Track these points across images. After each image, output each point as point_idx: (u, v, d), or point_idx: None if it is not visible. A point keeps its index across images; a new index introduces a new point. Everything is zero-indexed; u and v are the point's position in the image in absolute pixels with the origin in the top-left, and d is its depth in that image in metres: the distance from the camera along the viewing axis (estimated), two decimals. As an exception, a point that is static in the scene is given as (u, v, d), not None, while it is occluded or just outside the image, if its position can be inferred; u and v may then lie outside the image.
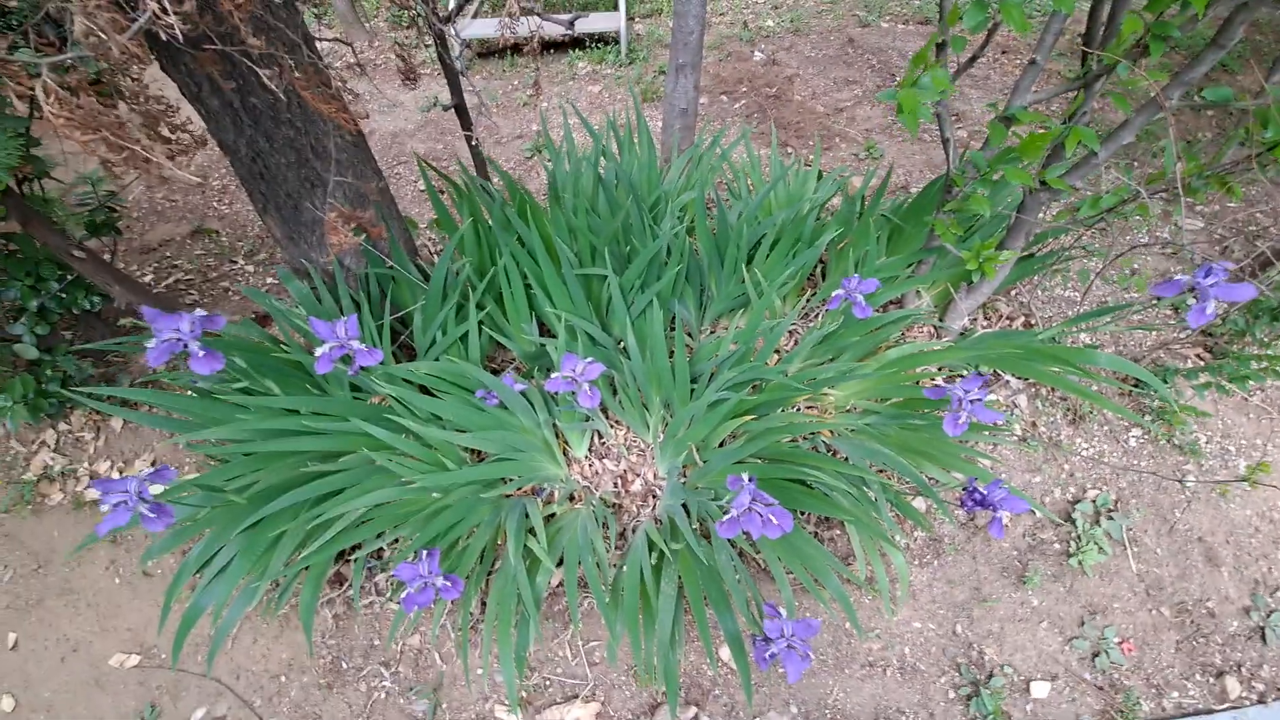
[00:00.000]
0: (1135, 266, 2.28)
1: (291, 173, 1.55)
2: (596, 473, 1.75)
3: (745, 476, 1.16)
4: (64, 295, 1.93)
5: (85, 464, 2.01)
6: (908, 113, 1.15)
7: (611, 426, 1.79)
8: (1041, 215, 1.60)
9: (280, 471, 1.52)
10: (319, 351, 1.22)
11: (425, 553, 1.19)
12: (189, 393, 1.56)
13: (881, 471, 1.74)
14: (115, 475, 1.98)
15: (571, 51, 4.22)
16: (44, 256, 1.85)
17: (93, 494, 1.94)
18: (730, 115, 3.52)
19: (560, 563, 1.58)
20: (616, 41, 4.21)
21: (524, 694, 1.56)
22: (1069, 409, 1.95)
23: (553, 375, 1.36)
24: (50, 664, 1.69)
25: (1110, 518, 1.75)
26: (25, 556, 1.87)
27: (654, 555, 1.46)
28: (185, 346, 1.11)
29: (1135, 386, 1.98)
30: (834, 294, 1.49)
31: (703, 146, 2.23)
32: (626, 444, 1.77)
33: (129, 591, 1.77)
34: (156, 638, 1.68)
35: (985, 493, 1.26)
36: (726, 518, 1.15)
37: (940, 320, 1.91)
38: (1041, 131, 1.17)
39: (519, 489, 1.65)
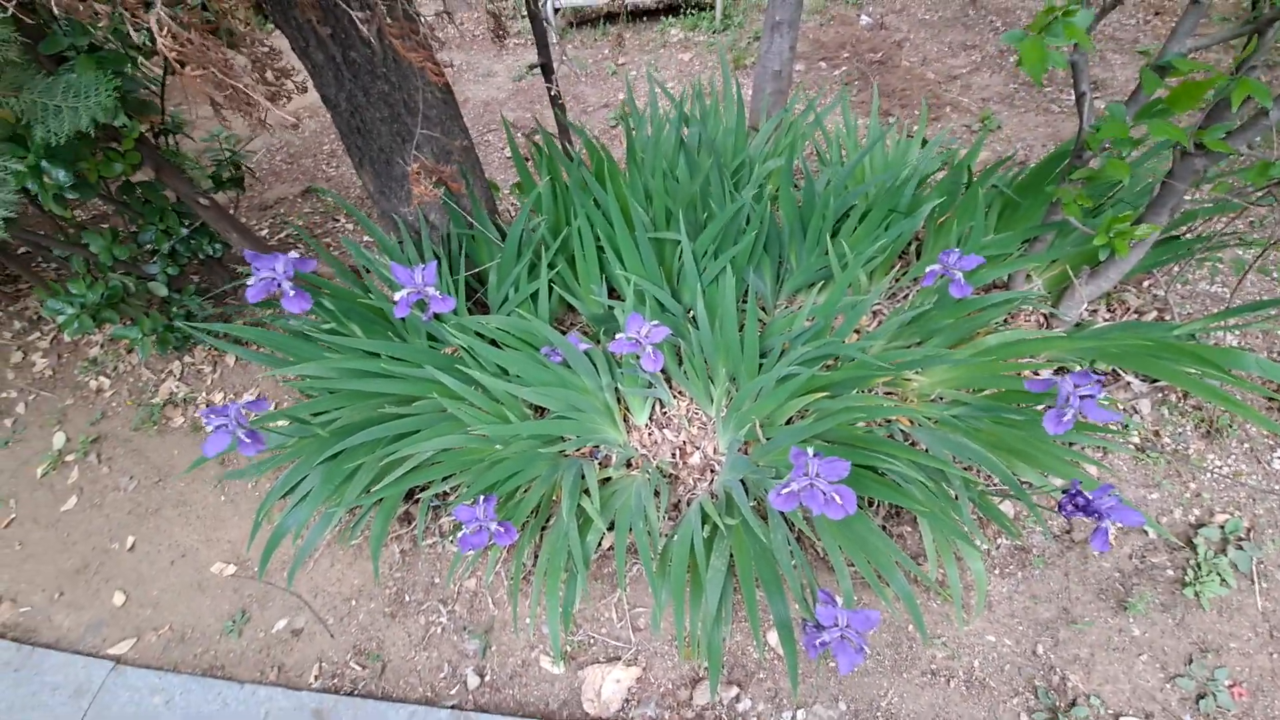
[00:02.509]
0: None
1: (385, 127, 1.61)
2: (655, 441, 1.73)
3: (809, 450, 1.09)
4: (191, 241, 2.13)
5: (203, 393, 2.24)
6: (1032, 61, 1.01)
7: (674, 396, 1.76)
8: (1192, 195, 1.37)
9: (360, 410, 1.62)
10: (397, 296, 1.26)
11: (483, 498, 1.22)
12: (286, 333, 1.68)
13: (966, 468, 1.59)
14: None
15: (665, 18, 4.12)
16: (170, 206, 2.06)
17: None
18: (829, 83, 3.31)
19: (611, 526, 1.57)
20: (712, 6, 4.06)
21: (568, 648, 1.58)
22: (1203, 419, 1.69)
23: (618, 336, 1.34)
24: (161, 566, 1.91)
25: (1240, 547, 1.52)
26: (149, 470, 2.11)
27: (706, 529, 1.42)
28: (280, 285, 1.19)
29: (1292, 401, 1.69)
30: (929, 269, 1.36)
31: (794, 112, 2.10)
32: (688, 415, 1.73)
33: (232, 508, 1.97)
34: (248, 552, 1.86)
35: (1090, 499, 1.11)
36: (785, 489, 1.09)
37: (1053, 308, 1.70)
38: (1200, 79, 0.99)
39: (577, 449, 1.66)
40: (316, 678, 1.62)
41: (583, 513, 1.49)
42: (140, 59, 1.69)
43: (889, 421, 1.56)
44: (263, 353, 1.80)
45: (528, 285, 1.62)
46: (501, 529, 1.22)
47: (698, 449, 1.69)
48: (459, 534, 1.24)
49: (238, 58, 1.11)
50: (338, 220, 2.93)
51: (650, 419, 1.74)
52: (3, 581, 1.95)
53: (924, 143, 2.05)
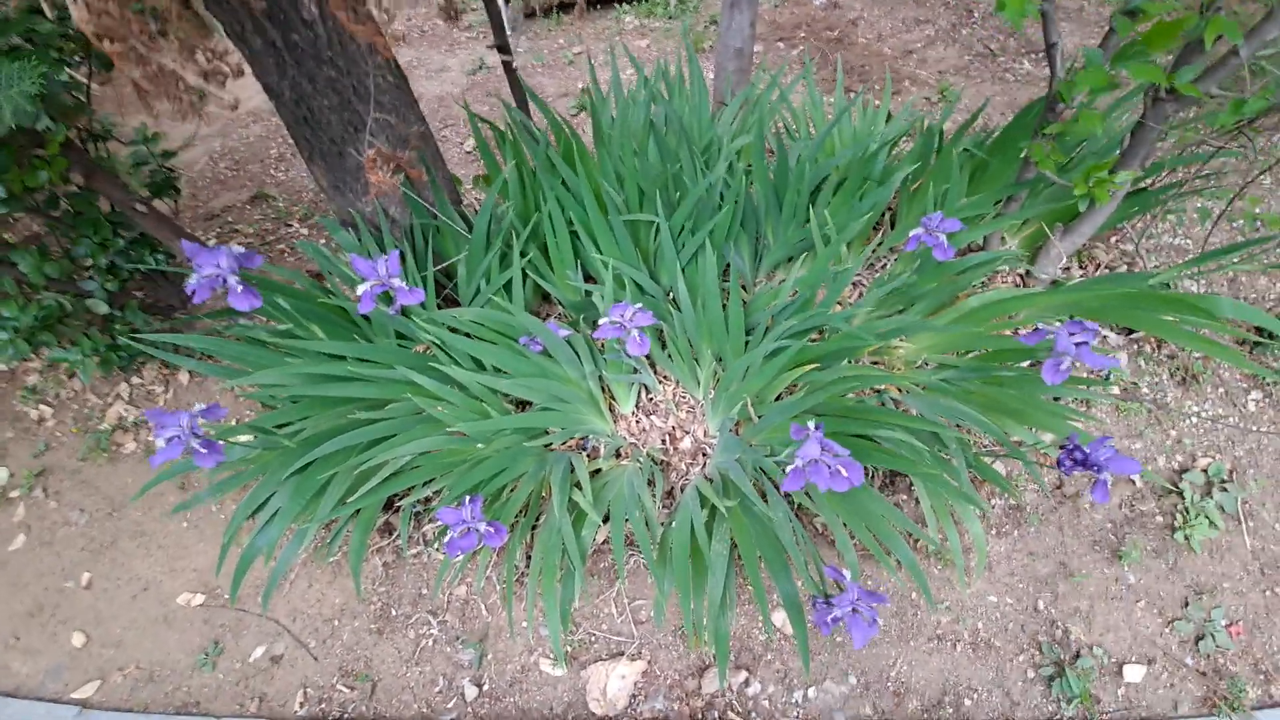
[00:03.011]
0: (1260, 208, 1.99)
1: (335, 116, 1.51)
2: (644, 429, 1.67)
3: (811, 424, 1.06)
4: (130, 253, 1.99)
5: (155, 415, 2.09)
6: (1013, 9, 0.99)
7: (660, 381, 1.71)
8: (1158, 147, 1.38)
9: (327, 419, 1.52)
10: (360, 289, 1.18)
11: (469, 498, 1.15)
12: (241, 340, 1.57)
13: (958, 428, 1.58)
14: (182, 425, 2.05)
15: (619, 5, 4.06)
16: (105, 217, 1.91)
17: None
18: (788, 62, 3.30)
19: (605, 519, 1.52)
20: (666, -8, 4.01)
21: (569, 648, 1.53)
22: (1178, 368, 1.72)
23: (601, 322, 1.29)
24: (121, 602, 1.78)
25: (1224, 489, 1.55)
26: (100, 501, 1.97)
27: (705, 513, 1.38)
28: (225, 281, 1.09)
29: (1257, 343, 1.73)
30: (911, 234, 1.34)
31: (759, 88, 2.07)
32: (675, 399, 1.69)
33: (195, 534, 1.84)
34: (217, 578, 1.74)
35: (1089, 451, 1.10)
36: (791, 469, 1.05)
37: (1029, 267, 1.71)
38: (1173, 19, 0.98)
39: (563, 442, 1.59)
40: (302, 704, 1.52)
41: (575, 507, 1.43)
42: (62, 54, 1.56)
43: (878, 391, 1.54)
44: (218, 365, 1.69)
45: (500, 275, 1.54)
46: (491, 529, 1.15)
47: (687, 433, 1.65)
48: (445, 539, 1.17)
49: (167, 41, 1.01)
50: (290, 226, 2.79)
51: (636, 406, 1.69)
52: (-55, 634, 1.79)
53: (889, 116, 2.05)
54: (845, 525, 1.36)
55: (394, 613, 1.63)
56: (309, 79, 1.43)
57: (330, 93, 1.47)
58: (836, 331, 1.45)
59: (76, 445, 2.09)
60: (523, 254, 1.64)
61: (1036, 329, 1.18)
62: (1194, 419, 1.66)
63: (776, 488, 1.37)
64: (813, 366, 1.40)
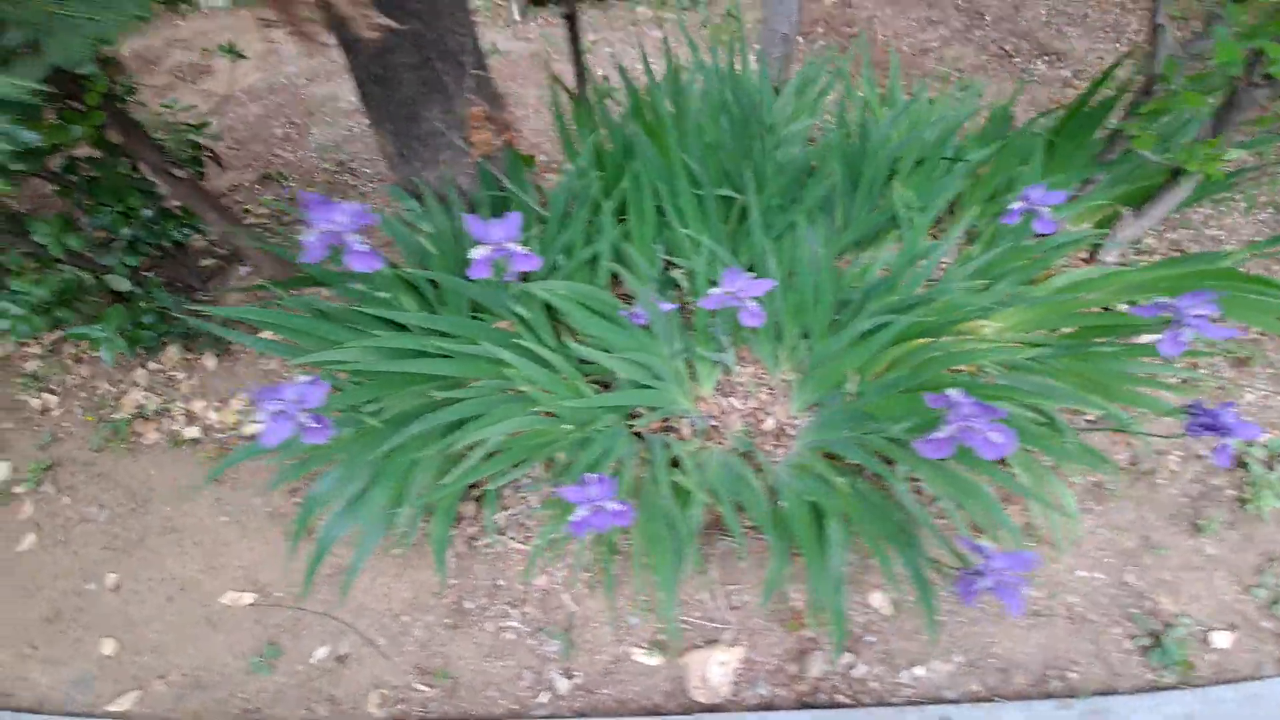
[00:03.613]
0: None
1: (411, 75, 1.42)
2: (723, 410, 1.64)
3: (956, 391, 1.04)
4: (154, 226, 1.83)
5: (179, 403, 1.94)
6: (1226, 54, 0.99)
7: (737, 362, 1.67)
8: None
9: (403, 398, 1.43)
10: (475, 254, 1.11)
11: (598, 477, 1.09)
12: (309, 314, 1.46)
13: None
14: (212, 414, 1.91)
15: (631, -5, 4.02)
16: (130, 184, 1.76)
17: (191, 432, 1.88)
18: (810, 55, 3.32)
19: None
20: (680, -17, 3.99)
21: (661, 637, 1.47)
22: (1229, 350, 1.79)
23: (711, 292, 1.24)
24: (155, 604, 1.63)
25: (1284, 463, 1.61)
26: (122, 496, 1.81)
27: (812, 490, 1.35)
28: (344, 240, 1.01)
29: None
30: (1012, 207, 1.34)
31: (807, 75, 2.06)
32: (756, 380, 1.65)
33: (237, 529, 1.71)
34: (275, 573, 1.61)
35: (1216, 415, 1.12)
36: (936, 435, 1.03)
37: (1100, 247, 1.74)
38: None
39: (650, 424, 1.54)
40: (379, 706, 1.42)
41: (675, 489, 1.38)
42: None
43: (954, 372, 1.54)
44: (278, 341, 1.57)
45: (583, 249, 1.48)
46: (621, 508, 1.09)
47: (769, 415, 1.62)
48: (570, 518, 1.10)
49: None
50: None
51: (715, 387, 1.65)
52: (-53, 644, 1.61)
53: (931, 102, 2.07)
54: (944, 498, 1.35)
55: (469, 605, 1.54)
56: (389, 30, 1.34)
57: (410, 48, 1.39)
58: (929, 305, 1.44)
59: (88, 435, 1.91)
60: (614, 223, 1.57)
61: (1155, 303, 1.19)
62: (1248, 400, 1.72)
63: (889, 463, 1.36)
64: (922, 341, 1.39)
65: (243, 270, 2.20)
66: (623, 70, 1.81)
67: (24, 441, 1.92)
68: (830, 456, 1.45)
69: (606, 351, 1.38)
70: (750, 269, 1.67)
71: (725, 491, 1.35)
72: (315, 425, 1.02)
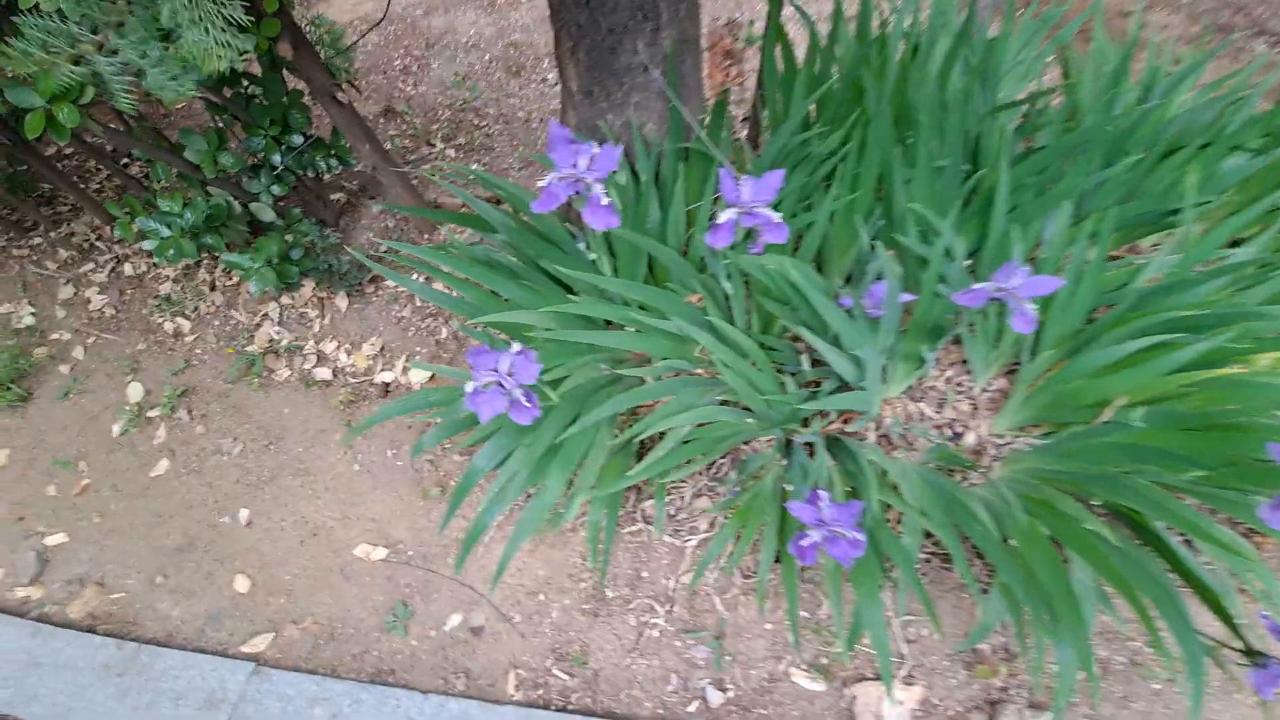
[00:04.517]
0: None
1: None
2: (909, 417, 1.44)
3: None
4: (303, 155, 1.73)
5: (311, 342, 1.88)
6: None
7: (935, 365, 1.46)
8: None
9: (578, 371, 1.29)
10: (721, 217, 0.93)
11: (823, 494, 0.93)
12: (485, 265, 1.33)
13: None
14: (343, 356, 1.84)
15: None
16: (292, 103, 1.65)
17: (322, 374, 1.81)
18: (996, 8, 2.93)
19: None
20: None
21: (824, 660, 1.33)
22: None
23: (975, 287, 1.04)
24: (288, 545, 1.59)
25: None
26: (255, 431, 1.77)
27: (1042, 523, 1.16)
28: (588, 188, 0.85)
29: None
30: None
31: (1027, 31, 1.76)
32: (955, 387, 1.44)
33: (369, 480, 1.64)
34: (406, 531, 1.54)
35: None
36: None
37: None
38: None
39: (825, 427, 1.36)
40: (516, 688, 1.34)
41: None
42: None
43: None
44: (445, 293, 1.44)
45: (804, 215, 1.27)
46: (861, 537, 0.92)
47: (968, 428, 1.41)
48: (794, 540, 0.94)
49: None
50: (433, 145, 2.51)
51: (905, 391, 1.45)
52: (83, 561, 1.62)
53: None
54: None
55: (609, 594, 1.43)
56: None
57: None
58: (1230, 325, 1.17)
59: (221, 366, 1.88)
60: (806, 199, 1.37)
61: None
62: None
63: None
64: (1221, 372, 1.14)
65: (375, 209, 2.10)
66: (838, 9, 1.55)
67: (157, 365, 1.90)
68: (1055, 486, 1.24)
69: (836, 346, 1.20)
70: (973, 255, 1.44)
71: (938, 515, 1.17)
72: (526, 404, 0.89)
